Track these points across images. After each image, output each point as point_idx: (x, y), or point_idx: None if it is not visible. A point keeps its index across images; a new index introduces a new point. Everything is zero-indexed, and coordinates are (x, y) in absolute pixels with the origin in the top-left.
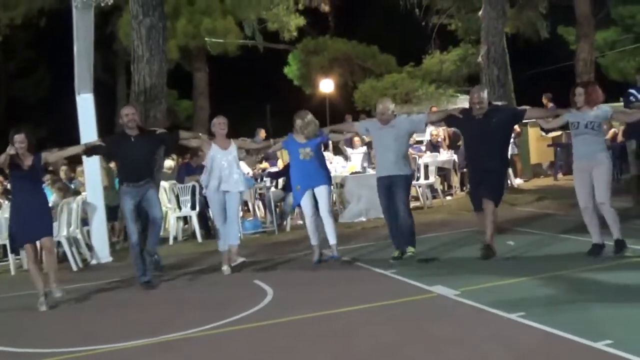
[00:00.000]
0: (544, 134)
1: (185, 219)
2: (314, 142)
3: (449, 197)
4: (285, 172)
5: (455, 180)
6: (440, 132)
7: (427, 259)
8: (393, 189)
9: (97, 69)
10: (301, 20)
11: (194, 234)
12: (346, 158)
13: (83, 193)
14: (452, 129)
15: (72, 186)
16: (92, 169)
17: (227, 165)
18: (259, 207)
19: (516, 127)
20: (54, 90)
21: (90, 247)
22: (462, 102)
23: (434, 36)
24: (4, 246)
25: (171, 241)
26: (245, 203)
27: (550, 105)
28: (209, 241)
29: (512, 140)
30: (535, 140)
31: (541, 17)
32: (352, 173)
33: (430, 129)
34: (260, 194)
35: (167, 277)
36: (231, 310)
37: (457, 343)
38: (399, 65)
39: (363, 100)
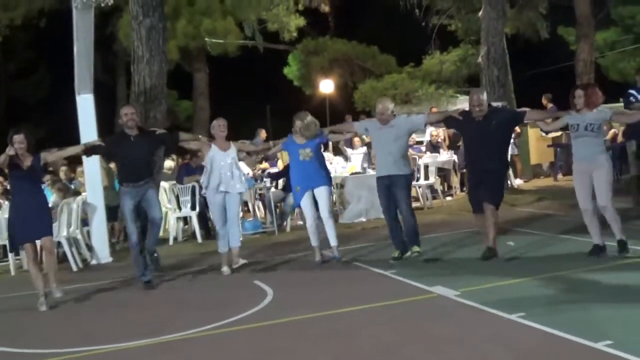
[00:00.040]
0: (543, 134)
1: (185, 220)
2: (314, 142)
3: (449, 198)
4: (285, 172)
5: (455, 180)
6: (440, 132)
7: (431, 259)
8: (394, 189)
9: (97, 69)
10: (301, 21)
11: (194, 234)
12: (346, 158)
13: (83, 193)
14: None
15: (72, 186)
16: (92, 169)
17: (226, 167)
18: (259, 208)
19: (516, 127)
20: (54, 90)
21: (90, 248)
22: (462, 102)
23: (434, 37)
24: (4, 247)
25: (171, 241)
26: (245, 203)
27: (550, 105)
28: (209, 241)
29: (512, 140)
30: (535, 140)
31: (541, 18)
32: (352, 173)
33: (430, 129)
34: (260, 195)
35: (167, 278)
36: (231, 311)
37: (457, 343)
38: (399, 65)
39: (363, 100)
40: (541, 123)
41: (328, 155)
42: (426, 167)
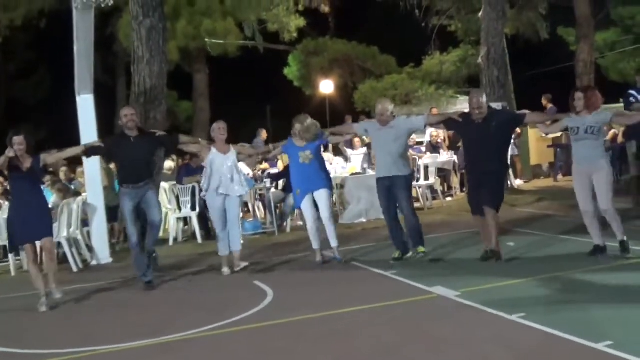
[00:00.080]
0: (543, 135)
1: (185, 220)
2: (314, 145)
3: (449, 198)
4: (285, 173)
5: (455, 181)
6: (440, 133)
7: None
8: (394, 190)
9: (97, 70)
10: (301, 21)
11: (194, 234)
12: (346, 159)
13: (83, 194)
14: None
15: (72, 187)
16: (92, 169)
17: (226, 170)
18: (259, 208)
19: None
20: (54, 91)
21: (90, 248)
22: (462, 103)
23: (434, 37)
24: (5, 247)
25: (171, 242)
26: (246, 204)
27: (550, 106)
28: (209, 242)
29: (512, 141)
30: (535, 141)
31: (541, 18)
32: (352, 174)
33: (430, 130)
34: (260, 195)
35: (167, 278)
36: (231, 312)
37: (457, 344)
38: (399, 66)
39: (363, 101)
40: (541, 125)
41: (328, 156)
42: (426, 167)
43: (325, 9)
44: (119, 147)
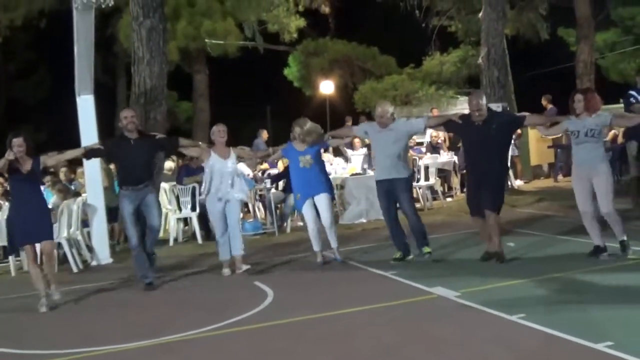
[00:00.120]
0: (544, 135)
1: (186, 221)
2: (314, 149)
3: (449, 199)
4: (285, 174)
5: (456, 181)
6: (440, 133)
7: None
8: (395, 193)
9: (97, 70)
10: (301, 22)
11: (194, 235)
12: (346, 159)
13: (83, 194)
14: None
15: (72, 187)
16: (93, 170)
17: (227, 176)
18: (259, 209)
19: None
20: (54, 91)
21: (90, 249)
22: (462, 103)
23: (434, 38)
24: (5, 247)
25: (171, 242)
26: (246, 204)
27: (550, 106)
28: (209, 242)
29: (512, 142)
30: (535, 141)
31: (541, 19)
32: (353, 174)
33: (430, 130)
34: (260, 196)
35: (168, 278)
36: (231, 312)
37: (457, 344)
38: (399, 66)
39: (363, 101)
40: (541, 127)
41: (328, 157)
42: (426, 168)
43: (326, 9)
44: (119, 149)
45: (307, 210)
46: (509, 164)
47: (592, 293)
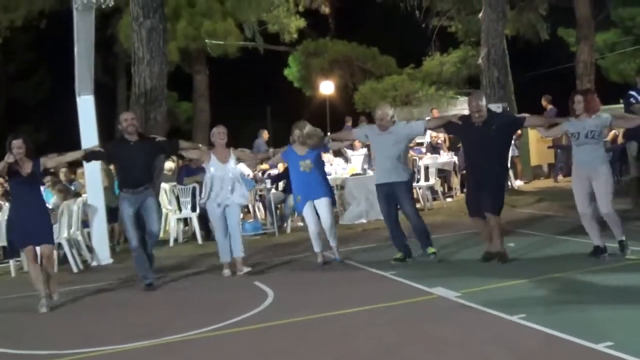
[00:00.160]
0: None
1: (186, 221)
2: (314, 153)
3: (449, 199)
4: (285, 174)
5: (456, 182)
6: (440, 134)
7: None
8: (395, 196)
9: (98, 71)
10: (301, 22)
11: (194, 235)
12: (346, 160)
13: (83, 195)
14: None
15: (73, 188)
16: (93, 170)
17: (227, 181)
18: (259, 209)
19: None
20: (54, 92)
21: (90, 249)
22: (462, 103)
23: (434, 38)
24: (4, 248)
25: (171, 243)
26: (246, 205)
27: (550, 107)
28: (210, 243)
29: (512, 142)
30: (535, 142)
31: (541, 19)
32: (353, 175)
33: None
34: (260, 196)
35: (168, 279)
36: (231, 312)
37: (457, 345)
38: (399, 67)
39: (363, 102)
40: (541, 129)
41: (328, 157)
42: (426, 168)
43: (326, 10)
44: (119, 152)
45: (307, 212)
46: (509, 165)
47: (592, 293)
